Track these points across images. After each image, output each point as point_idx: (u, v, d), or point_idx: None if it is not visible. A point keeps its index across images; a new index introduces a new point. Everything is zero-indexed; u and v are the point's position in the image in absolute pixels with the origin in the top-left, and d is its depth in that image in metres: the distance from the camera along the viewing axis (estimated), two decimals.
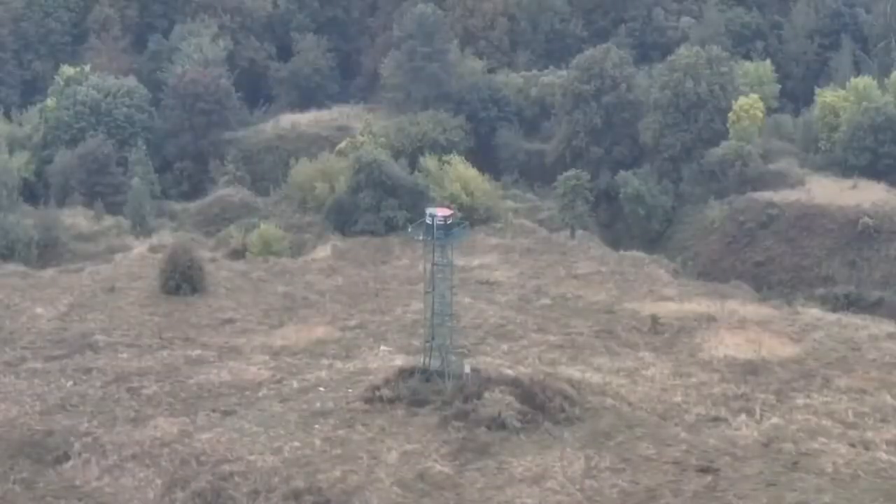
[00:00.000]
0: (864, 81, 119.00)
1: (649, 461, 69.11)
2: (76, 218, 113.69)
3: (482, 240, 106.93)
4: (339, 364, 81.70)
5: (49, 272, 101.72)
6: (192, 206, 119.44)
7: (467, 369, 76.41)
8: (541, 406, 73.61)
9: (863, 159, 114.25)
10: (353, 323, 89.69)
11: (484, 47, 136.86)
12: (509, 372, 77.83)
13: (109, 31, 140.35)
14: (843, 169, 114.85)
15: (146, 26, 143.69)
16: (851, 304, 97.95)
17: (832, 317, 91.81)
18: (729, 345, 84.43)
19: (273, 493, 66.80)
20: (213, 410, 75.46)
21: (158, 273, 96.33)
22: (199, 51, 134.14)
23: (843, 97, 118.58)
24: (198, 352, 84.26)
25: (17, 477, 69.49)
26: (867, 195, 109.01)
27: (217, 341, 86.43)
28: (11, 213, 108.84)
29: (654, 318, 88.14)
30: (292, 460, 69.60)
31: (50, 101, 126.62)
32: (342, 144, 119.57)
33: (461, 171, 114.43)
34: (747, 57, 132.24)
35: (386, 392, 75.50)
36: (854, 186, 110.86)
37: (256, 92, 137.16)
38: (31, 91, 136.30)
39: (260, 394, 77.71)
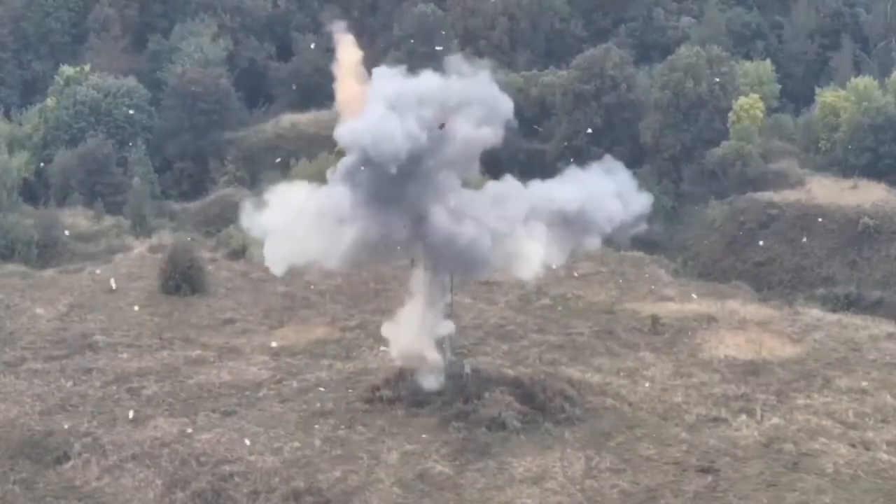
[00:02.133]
0: (865, 81, 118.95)
1: (650, 461, 69.13)
2: (76, 218, 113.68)
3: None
4: (339, 364, 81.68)
5: (49, 272, 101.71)
6: (192, 206, 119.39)
7: (467, 369, 76.38)
8: (541, 406, 73.62)
9: (863, 159, 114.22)
10: (353, 323, 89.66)
11: (484, 47, 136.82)
12: (509, 372, 77.85)
13: (109, 31, 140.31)
14: (844, 169, 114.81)
15: (146, 26, 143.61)
16: (852, 304, 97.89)
17: (832, 317, 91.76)
18: (729, 345, 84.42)
19: (273, 493, 66.82)
20: (213, 411, 75.46)
21: (158, 273, 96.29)
22: (199, 51, 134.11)
23: (844, 97, 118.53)
24: (198, 352, 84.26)
25: (16, 477, 69.49)
26: (867, 195, 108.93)
27: (217, 341, 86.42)
28: (11, 213, 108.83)
29: (655, 319, 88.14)
30: (292, 461, 69.62)
31: (50, 101, 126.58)
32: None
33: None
34: (747, 57, 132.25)
35: (386, 392, 75.47)
36: (854, 186, 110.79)
37: (256, 92, 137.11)
38: (31, 91, 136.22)
39: (260, 394, 77.72)
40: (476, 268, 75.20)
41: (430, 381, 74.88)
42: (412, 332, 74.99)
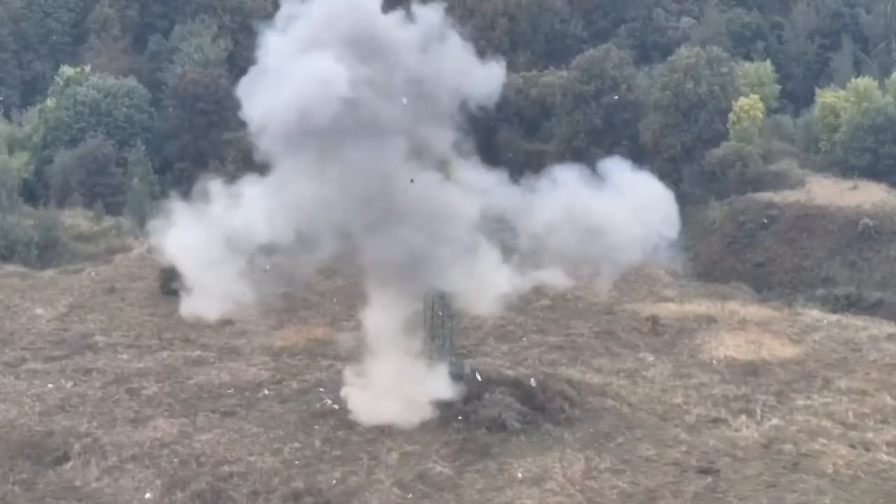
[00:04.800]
0: (865, 82, 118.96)
1: (649, 462, 69.11)
2: (76, 218, 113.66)
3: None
4: (338, 365, 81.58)
5: (49, 273, 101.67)
6: None
7: (468, 370, 76.36)
8: (541, 407, 73.58)
9: (863, 160, 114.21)
10: (352, 324, 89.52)
11: (484, 48, 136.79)
12: (509, 373, 77.82)
13: (109, 31, 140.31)
14: (844, 170, 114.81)
15: (146, 26, 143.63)
16: (851, 305, 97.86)
17: (832, 318, 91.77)
18: (729, 346, 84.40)
19: (273, 494, 66.78)
20: (213, 411, 75.42)
21: (158, 274, 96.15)
22: (199, 51, 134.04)
23: (844, 98, 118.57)
24: (197, 353, 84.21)
25: (16, 478, 69.45)
26: (867, 196, 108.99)
27: (217, 342, 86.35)
28: (11, 213, 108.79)
29: (655, 319, 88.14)
30: (292, 461, 69.57)
31: (50, 102, 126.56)
32: None
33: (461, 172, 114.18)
34: (747, 57, 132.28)
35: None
36: (854, 187, 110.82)
37: None
38: (31, 91, 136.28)
39: (260, 395, 77.68)
40: (411, 277, 67.25)
41: (444, 391, 74.43)
42: (387, 388, 72.26)
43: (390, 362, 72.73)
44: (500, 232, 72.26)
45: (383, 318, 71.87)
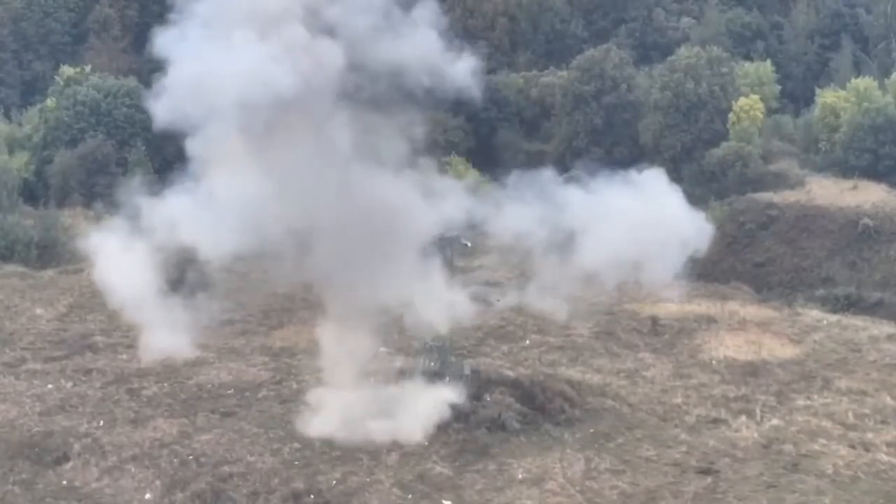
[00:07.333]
0: (865, 82, 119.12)
1: (649, 462, 69.08)
2: (76, 218, 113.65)
3: (482, 240, 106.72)
4: None
5: (48, 273, 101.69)
6: None
7: (467, 370, 76.32)
8: (541, 407, 73.54)
9: (863, 160, 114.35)
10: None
11: (484, 47, 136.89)
12: (509, 373, 77.80)
13: (109, 31, 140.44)
14: (844, 170, 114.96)
15: (146, 26, 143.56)
16: (851, 305, 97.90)
17: (832, 318, 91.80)
18: (729, 346, 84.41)
19: (273, 494, 66.73)
20: (213, 411, 75.40)
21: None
22: None
23: (844, 98, 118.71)
24: (197, 353, 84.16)
25: (16, 478, 69.37)
26: (867, 196, 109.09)
27: (216, 342, 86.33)
28: (11, 213, 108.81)
29: (654, 320, 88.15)
30: (292, 461, 69.55)
31: (50, 102, 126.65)
32: None
33: (461, 172, 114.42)
34: (748, 57, 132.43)
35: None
36: (854, 187, 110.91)
37: None
38: (31, 91, 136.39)
39: (260, 395, 77.68)
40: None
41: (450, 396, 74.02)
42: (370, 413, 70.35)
43: (362, 389, 71.55)
44: (476, 240, 71.04)
45: (341, 337, 69.92)
